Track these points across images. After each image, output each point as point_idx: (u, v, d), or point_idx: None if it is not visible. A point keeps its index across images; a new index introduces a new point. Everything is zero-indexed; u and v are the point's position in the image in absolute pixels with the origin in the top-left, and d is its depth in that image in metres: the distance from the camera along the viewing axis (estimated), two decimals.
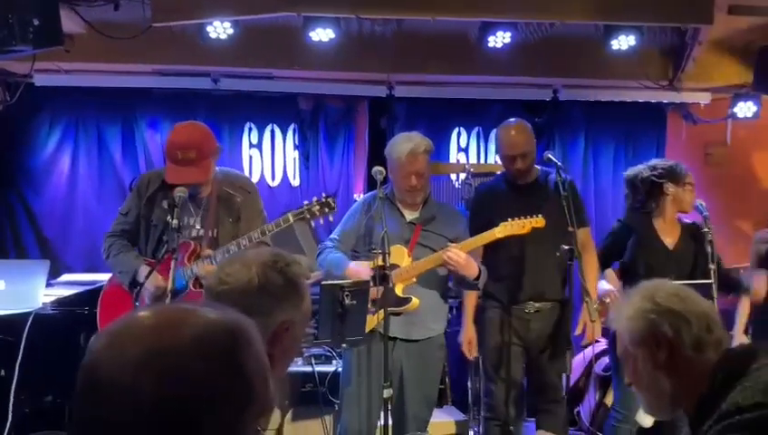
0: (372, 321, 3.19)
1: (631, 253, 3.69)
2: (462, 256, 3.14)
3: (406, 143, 3.32)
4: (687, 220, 3.78)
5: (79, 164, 5.06)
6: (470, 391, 4.54)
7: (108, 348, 0.85)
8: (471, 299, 3.68)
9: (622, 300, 1.85)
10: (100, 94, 4.98)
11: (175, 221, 2.86)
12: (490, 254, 3.66)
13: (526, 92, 5.28)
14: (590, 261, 3.59)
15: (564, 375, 3.45)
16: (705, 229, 3.42)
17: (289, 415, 3.94)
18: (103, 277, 3.53)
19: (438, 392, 4.06)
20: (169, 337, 0.85)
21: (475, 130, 5.46)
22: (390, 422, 3.31)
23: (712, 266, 3.27)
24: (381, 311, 3.07)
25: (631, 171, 3.82)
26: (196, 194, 3.16)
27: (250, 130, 5.22)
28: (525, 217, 3.25)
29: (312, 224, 4.66)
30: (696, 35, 4.63)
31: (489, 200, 3.60)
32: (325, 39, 4.37)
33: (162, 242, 3.04)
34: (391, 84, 5.00)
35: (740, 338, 3.78)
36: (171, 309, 0.96)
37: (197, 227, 3.16)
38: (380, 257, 3.04)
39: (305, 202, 3.14)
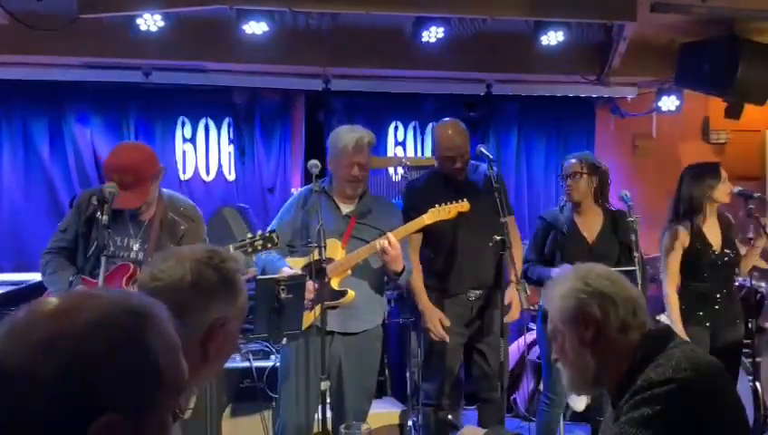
0: (310, 316, 3.20)
1: (551, 248, 3.81)
2: (397, 247, 3.17)
3: (352, 133, 3.34)
4: (614, 208, 3.91)
5: (3, 160, 4.87)
6: (409, 382, 4.60)
7: (8, 335, 0.84)
8: (418, 282, 3.70)
9: (556, 280, 1.89)
10: (26, 88, 4.80)
11: (105, 217, 2.80)
12: (427, 246, 3.73)
13: (461, 87, 5.35)
14: (517, 246, 3.72)
15: (502, 363, 3.54)
16: (631, 219, 3.55)
17: (227, 411, 3.91)
18: (32, 276, 3.43)
19: (378, 384, 4.12)
20: (68, 321, 0.85)
21: (412, 124, 5.52)
22: (330, 415, 3.35)
23: (636, 254, 3.40)
24: (318, 306, 3.08)
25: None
26: (137, 215, 3.08)
27: (183, 124, 5.14)
28: (451, 203, 3.31)
29: (248, 217, 4.67)
30: (621, 32, 4.78)
31: (423, 194, 3.63)
32: (259, 32, 4.33)
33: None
34: (328, 78, 4.99)
35: (678, 325, 3.89)
36: (73, 295, 0.96)
37: (136, 248, 3.08)
38: (316, 251, 3.05)
39: (248, 235, 3.10)
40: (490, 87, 5.33)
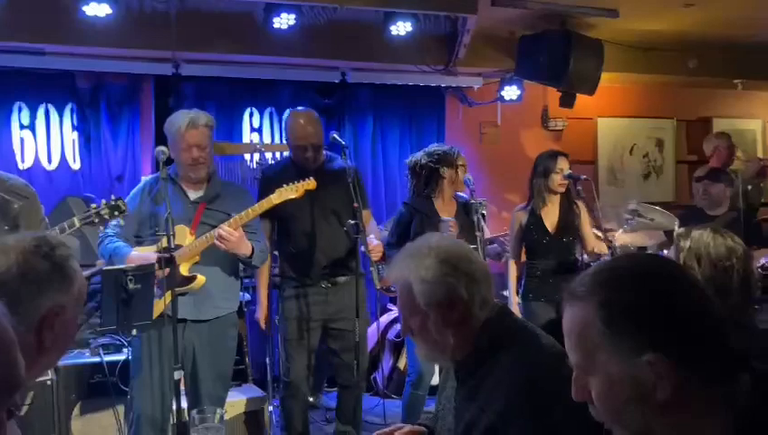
0: (160, 305, 3.15)
1: (415, 233, 3.97)
2: (235, 234, 3.16)
3: (185, 116, 3.31)
4: (464, 197, 4.16)
5: None
6: (269, 369, 4.63)
7: None
8: (264, 277, 3.75)
9: (409, 258, 1.80)
10: None
11: None
12: (283, 233, 3.76)
13: (316, 74, 5.39)
14: (376, 236, 3.87)
15: (358, 344, 3.65)
16: (472, 201, 3.80)
17: (77, 409, 3.76)
18: None
19: (238, 371, 4.12)
20: None
21: (268, 110, 5.49)
22: (186, 405, 3.32)
23: (478, 234, 3.64)
24: (168, 294, 3.04)
25: (411, 159, 4.14)
26: None
27: (20, 109, 4.80)
28: (298, 182, 3.35)
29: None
30: (465, 24, 5.01)
31: (276, 181, 3.62)
32: (101, 14, 4.15)
33: None
34: (177, 62, 4.85)
35: (513, 297, 4.25)
36: None
37: None
38: (165, 240, 3.00)
39: (93, 205, 2.99)
40: (345, 75, 5.41)
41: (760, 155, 7.17)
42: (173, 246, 2.98)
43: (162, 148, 3.22)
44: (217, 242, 3.15)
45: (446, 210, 4.02)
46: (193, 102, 4.95)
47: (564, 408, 1.33)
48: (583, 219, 4.23)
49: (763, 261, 4.44)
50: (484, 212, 5.47)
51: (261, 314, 3.82)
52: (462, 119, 6.09)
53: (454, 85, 5.81)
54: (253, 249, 3.29)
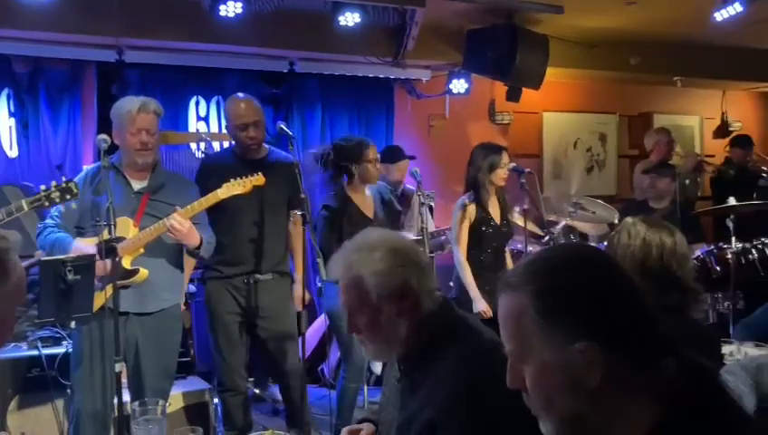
0: (101, 297, 3.08)
1: (348, 234, 3.95)
2: (186, 224, 3.14)
3: (136, 100, 3.26)
4: (410, 189, 4.18)
5: None
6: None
7: None
8: (188, 266, 3.72)
9: (356, 253, 1.77)
10: None
11: None
12: (224, 225, 3.72)
13: (264, 63, 5.33)
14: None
15: (300, 337, 3.65)
16: (418, 193, 3.81)
17: (14, 404, 3.65)
18: None
19: (183, 363, 4.06)
20: None
21: (215, 99, 5.41)
22: (129, 398, 3.26)
23: (423, 225, 3.67)
24: (110, 286, 2.97)
25: (319, 151, 4.08)
26: None
27: None
28: (246, 177, 3.32)
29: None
30: (414, 16, 5.02)
31: (217, 171, 3.58)
32: None
33: None
34: (121, 49, 4.74)
35: (472, 286, 4.24)
36: None
37: None
38: (106, 231, 2.93)
39: (42, 187, 2.90)
40: (293, 64, 5.37)
41: (697, 150, 7.43)
42: (114, 237, 2.92)
43: (104, 136, 3.14)
44: (169, 232, 3.11)
45: (363, 204, 3.99)
46: (137, 90, 4.83)
47: (504, 404, 1.33)
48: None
49: (698, 253, 4.61)
50: (431, 204, 5.53)
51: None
52: (411, 111, 6.12)
53: (403, 77, 5.82)
54: (201, 240, 3.25)
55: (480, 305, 3.97)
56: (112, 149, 3.25)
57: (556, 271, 1.14)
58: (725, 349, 3.10)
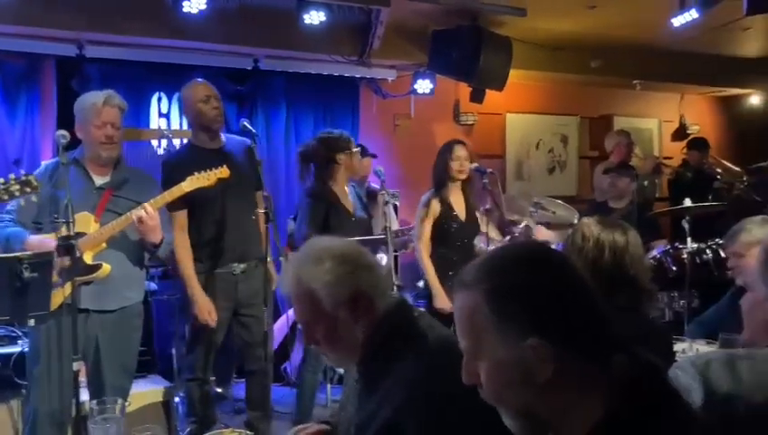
0: (59, 294, 3.03)
1: (333, 226, 3.97)
2: (154, 217, 3.11)
3: (100, 94, 3.23)
4: (374, 188, 4.21)
5: None
6: (175, 359, 4.55)
7: None
8: (189, 269, 3.64)
9: (304, 266, 1.74)
10: None
11: None
12: (192, 219, 3.69)
13: (228, 60, 5.31)
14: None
15: (266, 333, 3.64)
16: (383, 192, 3.84)
17: None
18: None
19: (143, 362, 4.01)
20: None
21: (177, 96, 5.34)
22: (88, 397, 3.21)
23: (387, 225, 3.69)
24: (69, 283, 2.93)
25: (304, 146, 4.09)
26: None
27: None
28: (209, 170, 3.30)
29: None
30: (379, 15, 5.05)
31: (179, 167, 3.53)
32: None
33: None
34: (81, 43, 4.67)
35: (435, 283, 4.25)
36: None
37: None
38: (64, 227, 2.89)
39: (0, 180, 2.83)
40: (258, 61, 5.35)
41: (656, 153, 7.60)
42: (73, 233, 2.87)
43: (63, 132, 3.08)
44: (137, 223, 3.07)
45: (345, 197, 4.02)
46: (98, 85, 4.75)
47: (462, 403, 1.34)
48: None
49: (655, 252, 4.71)
50: (396, 203, 5.56)
51: (203, 313, 3.59)
52: (376, 110, 6.14)
53: (368, 77, 5.84)
54: (162, 238, 3.23)
55: (440, 302, 4.02)
56: (73, 144, 3.19)
57: (509, 269, 1.16)
58: (678, 346, 3.20)
